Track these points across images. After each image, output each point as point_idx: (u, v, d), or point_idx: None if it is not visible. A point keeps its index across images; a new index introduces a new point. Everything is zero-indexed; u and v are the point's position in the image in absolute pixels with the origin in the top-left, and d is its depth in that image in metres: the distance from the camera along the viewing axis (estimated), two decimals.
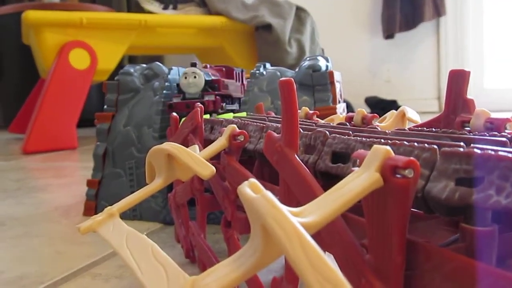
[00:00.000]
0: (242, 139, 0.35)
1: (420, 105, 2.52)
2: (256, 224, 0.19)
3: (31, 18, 1.52)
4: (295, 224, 0.17)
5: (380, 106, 2.49)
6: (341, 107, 0.73)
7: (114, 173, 0.69)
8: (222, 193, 0.37)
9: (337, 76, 0.72)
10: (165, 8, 1.82)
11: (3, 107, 2.56)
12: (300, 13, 1.94)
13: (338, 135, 0.29)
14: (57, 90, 1.52)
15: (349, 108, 1.98)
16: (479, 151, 0.21)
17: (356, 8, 2.79)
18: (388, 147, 0.21)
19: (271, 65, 0.77)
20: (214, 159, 0.38)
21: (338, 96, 0.72)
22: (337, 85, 0.72)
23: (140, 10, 1.85)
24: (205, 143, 0.43)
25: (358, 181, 0.21)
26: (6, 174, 1.10)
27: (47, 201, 0.82)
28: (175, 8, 1.83)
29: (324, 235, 0.25)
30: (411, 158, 0.20)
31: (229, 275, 0.19)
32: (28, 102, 1.97)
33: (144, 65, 0.75)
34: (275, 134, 0.29)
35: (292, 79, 0.27)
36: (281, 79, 0.27)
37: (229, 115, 0.53)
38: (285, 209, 0.18)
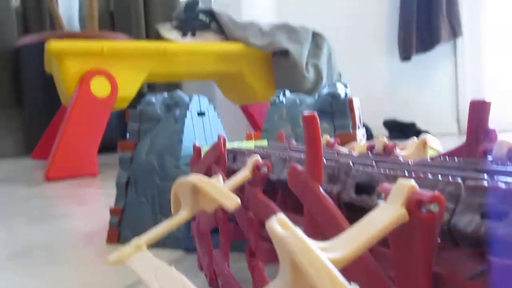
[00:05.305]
0: (265, 170, 0.36)
1: (438, 127, 2.51)
2: (285, 260, 0.19)
3: (53, 48, 1.56)
4: (325, 261, 0.18)
5: (398, 128, 2.48)
6: (360, 133, 0.73)
7: (137, 201, 0.70)
8: (246, 223, 0.38)
9: (356, 102, 0.73)
10: (184, 35, 1.85)
11: (25, 134, 2.61)
12: (317, 38, 1.96)
13: (361, 166, 0.30)
14: (78, 118, 1.55)
15: (368, 131, 1.98)
16: (503, 185, 0.21)
17: (373, 31, 2.81)
18: (412, 182, 0.21)
19: (290, 91, 0.78)
20: (237, 188, 0.38)
21: (357, 122, 0.72)
22: (356, 112, 0.73)
23: (159, 37, 1.88)
24: (228, 172, 0.43)
25: (384, 216, 0.21)
26: (30, 201, 1.12)
27: (70, 229, 0.83)
28: (193, 35, 1.86)
29: (351, 268, 0.26)
30: (436, 192, 0.21)
31: None
32: (50, 129, 2.00)
33: (165, 94, 0.76)
34: (299, 167, 0.29)
35: (316, 114, 0.27)
36: (304, 113, 0.28)
37: (251, 144, 0.54)
38: (314, 245, 0.19)
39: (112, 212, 0.72)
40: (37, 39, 2.31)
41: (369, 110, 2.04)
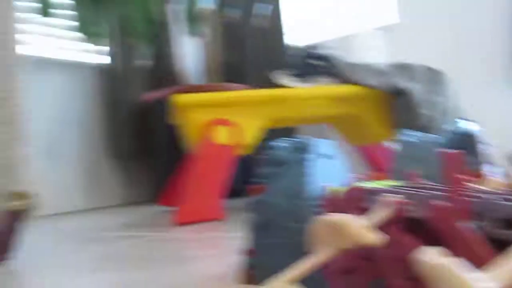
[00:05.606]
0: (405, 208, 0.36)
1: None
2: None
3: (180, 101, 1.68)
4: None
5: None
6: (491, 170, 0.71)
7: (268, 243, 0.72)
8: (386, 261, 0.39)
9: (484, 138, 0.71)
10: (300, 81, 1.90)
11: (153, 183, 2.78)
12: (435, 75, 1.92)
13: (504, 201, 0.30)
14: (204, 165, 1.63)
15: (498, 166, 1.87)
16: None
17: (493, 61, 2.69)
18: None
19: (409, 129, 0.78)
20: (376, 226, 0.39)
21: (487, 158, 0.70)
22: (485, 148, 0.71)
23: (276, 85, 1.95)
24: (362, 212, 0.44)
25: None
26: (162, 245, 1.19)
27: (203, 270, 0.88)
28: (309, 80, 1.91)
29: None
30: None
31: None
32: (176, 177, 2.12)
33: (291, 139, 0.79)
34: (442, 203, 0.30)
35: (459, 153, 0.28)
36: (445, 151, 0.29)
37: (381, 184, 0.54)
38: (468, 274, 0.20)
39: (245, 254, 0.75)
40: (163, 93, 2.49)
41: (495, 143, 1.94)
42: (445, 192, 0.34)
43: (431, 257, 0.21)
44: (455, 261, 0.20)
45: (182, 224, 1.56)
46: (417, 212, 0.36)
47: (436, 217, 0.30)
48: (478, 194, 0.35)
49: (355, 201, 0.46)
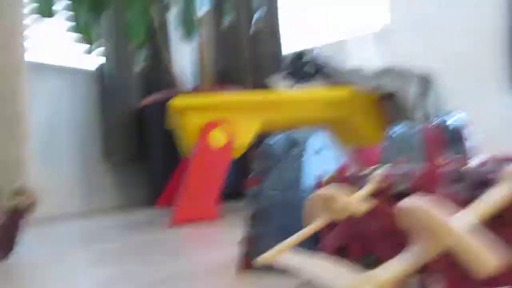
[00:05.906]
0: (389, 182, 0.40)
1: None
2: (418, 229, 0.24)
3: (177, 104, 1.72)
4: (449, 222, 0.23)
5: None
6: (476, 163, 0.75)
7: (265, 232, 0.76)
8: (375, 233, 0.43)
9: (468, 131, 0.75)
10: (293, 85, 1.95)
11: (149, 186, 2.81)
12: (424, 80, 1.97)
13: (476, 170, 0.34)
14: (200, 168, 1.67)
15: None
16: None
17: (489, 67, 2.74)
18: None
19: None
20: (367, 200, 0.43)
21: (471, 151, 0.75)
22: (470, 140, 0.75)
23: (269, 89, 1.99)
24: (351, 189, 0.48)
25: (499, 193, 0.26)
26: (161, 242, 1.23)
27: (203, 261, 0.91)
28: (302, 84, 1.95)
29: None
30: None
31: (398, 267, 0.25)
32: (173, 180, 2.16)
33: (285, 134, 0.83)
34: (422, 172, 0.34)
35: (434, 128, 0.32)
36: (427, 129, 0.33)
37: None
38: (440, 212, 0.23)
39: (242, 241, 0.79)
40: (158, 98, 2.53)
41: (489, 147, 1.98)
42: (424, 165, 0.38)
43: (412, 203, 0.25)
44: (434, 204, 0.24)
45: (178, 224, 1.60)
46: (402, 184, 0.40)
47: (418, 184, 0.34)
48: (457, 167, 0.39)
49: (345, 181, 0.50)
